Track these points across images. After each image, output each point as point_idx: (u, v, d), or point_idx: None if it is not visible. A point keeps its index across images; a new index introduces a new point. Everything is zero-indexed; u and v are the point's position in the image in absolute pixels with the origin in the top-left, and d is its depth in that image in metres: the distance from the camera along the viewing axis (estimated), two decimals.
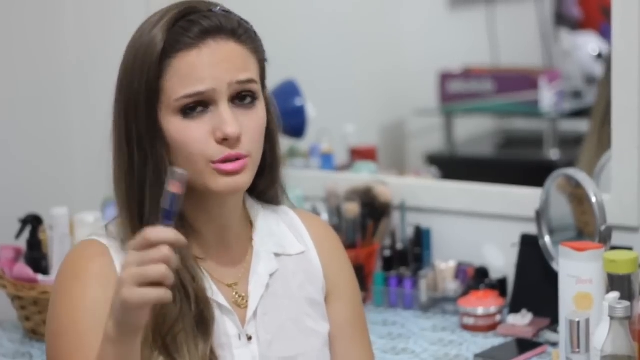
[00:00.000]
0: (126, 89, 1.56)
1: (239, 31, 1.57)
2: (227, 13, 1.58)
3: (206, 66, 1.53)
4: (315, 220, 1.78)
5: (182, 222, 1.57)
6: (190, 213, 1.59)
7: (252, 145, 1.56)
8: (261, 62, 1.61)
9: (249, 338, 1.60)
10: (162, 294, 1.35)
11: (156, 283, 1.35)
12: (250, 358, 1.59)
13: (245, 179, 1.56)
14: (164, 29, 1.54)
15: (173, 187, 1.39)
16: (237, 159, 1.54)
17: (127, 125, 1.55)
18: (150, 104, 1.54)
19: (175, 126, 1.54)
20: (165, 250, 1.35)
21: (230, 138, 1.53)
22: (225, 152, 1.53)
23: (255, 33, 1.61)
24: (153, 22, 1.56)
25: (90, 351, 1.48)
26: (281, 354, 1.62)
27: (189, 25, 1.54)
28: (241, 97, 1.56)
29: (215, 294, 1.59)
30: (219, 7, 1.58)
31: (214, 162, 1.54)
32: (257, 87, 1.58)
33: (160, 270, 1.34)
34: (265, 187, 1.68)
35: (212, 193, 1.56)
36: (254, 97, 1.57)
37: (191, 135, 1.53)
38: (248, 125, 1.55)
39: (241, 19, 1.60)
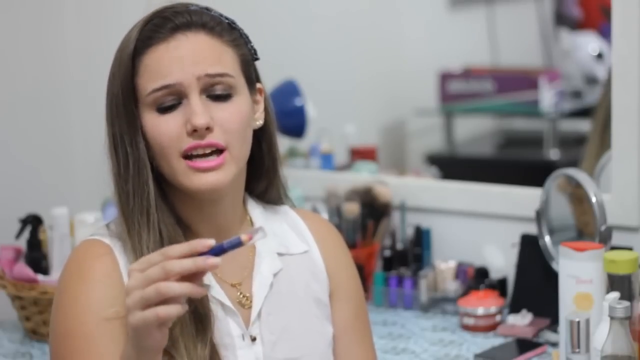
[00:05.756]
0: (109, 90, 1.56)
1: (211, 24, 1.55)
2: (204, 10, 1.57)
3: (173, 60, 1.52)
4: (316, 218, 1.77)
5: (177, 221, 1.56)
6: (184, 211, 1.58)
7: (228, 137, 1.53)
8: (243, 56, 1.58)
9: (253, 339, 1.59)
10: (168, 311, 1.32)
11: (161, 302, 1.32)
12: (253, 359, 1.58)
13: (222, 177, 1.53)
14: (138, 29, 1.54)
15: (245, 236, 1.35)
16: (213, 151, 1.52)
17: (112, 126, 1.55)
18: (129, 103, 1.54)
19: (150, 122, 1.53)
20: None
21: (198, 129, 1.51)
22: (194, 141, 1.52)
23: (234, 28, 1.58)
24: (134, 24, 1.57)
25: (98, 352, 1.47)
26: (285, 355, 1.60)
27: (161, 22, 1.54)
28: (216, 91, 1.54)
29: (218, 293, 1.57)
30: (196, 6, 1.57)
31: (185, 158, 1.52)
32: (233, 81, 1.55)
33: (160, 289, 1.31)
34: (265, 188, 1.67)
35: (190, 192, 1.54)
36: (229, 90, 1.55)
37: (163, 129, 1.52)
38: (222, 117, 1.53)
39: (221, 15, 1.58)
